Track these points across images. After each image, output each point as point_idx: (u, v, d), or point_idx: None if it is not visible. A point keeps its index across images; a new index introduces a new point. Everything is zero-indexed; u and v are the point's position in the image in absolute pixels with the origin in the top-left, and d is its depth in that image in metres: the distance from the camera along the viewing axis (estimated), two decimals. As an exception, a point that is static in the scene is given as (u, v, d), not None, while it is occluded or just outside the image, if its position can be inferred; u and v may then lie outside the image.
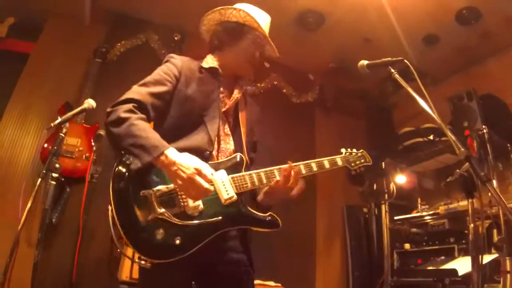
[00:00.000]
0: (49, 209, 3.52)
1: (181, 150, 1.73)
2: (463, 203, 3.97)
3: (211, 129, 1.93)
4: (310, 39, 5.11)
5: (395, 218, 4.82)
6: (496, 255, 3.36)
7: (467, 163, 1.74)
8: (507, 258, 3.23)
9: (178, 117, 1.92)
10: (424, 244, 4.50)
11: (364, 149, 2.37)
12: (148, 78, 1.92)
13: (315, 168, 2.07)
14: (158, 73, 1.96)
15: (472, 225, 2.50)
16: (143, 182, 1.70)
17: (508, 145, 4.07)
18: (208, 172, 1.71)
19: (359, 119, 6.25)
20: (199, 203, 1.74)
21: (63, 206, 3.74)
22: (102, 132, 3.80)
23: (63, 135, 2.75)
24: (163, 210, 1.65)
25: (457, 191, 4.22)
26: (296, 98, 5.68)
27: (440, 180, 4.87)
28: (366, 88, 6.03)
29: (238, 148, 2.04)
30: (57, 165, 2.62)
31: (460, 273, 3.34)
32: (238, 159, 1.94)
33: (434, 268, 3.78)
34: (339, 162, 2.21)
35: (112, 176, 1.68)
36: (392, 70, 2.13)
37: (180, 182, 1.62)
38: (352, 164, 2.26)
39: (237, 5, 2.15)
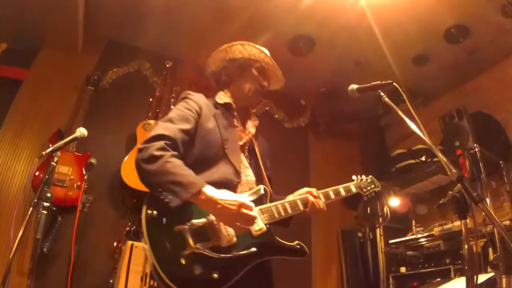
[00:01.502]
0: (40, 239, 3.49)
1: (211, 182, 1.77)
2: (458, 223, 3.94)
3: (234, 160, 1.98)
4: (301, 64, 5.13)
5: (390, 241, 4.79)
6: (492, 274, 3.33)
7: (459, 184, 1.74)
8: (504, 276, 3.20)
9: (201, 151, 1.96)
10: (420, 266, 4.45)
11: (359, 173, 2.51)
12: (173, 114, 1.98)
13: (332, 196, 2.21)
14: (181, 109, 2.02)
15: (466, 246, 2.48)
16: (176, 218, 1.70)
17: (501, 162, 4.09)
18: (249, 203, 1.75)
19: (353, 142, 6.23)
20: (233, 236, 1.76)
21: (55, 235, 3.68)
22: (93, 160, 3.76)
23: (54, 163, 2.73)
24: (198, 244, 1.66)
25: (451, 211, 4.21)
26: (289, 123, 5.71)
27: (434, 201, 4.85)
28: (359, 111, 6.05)
29: (258, 180, 2.10)
30: (48, 194, 2.59)
31: (455, 293, 3.31)
32: (262, 191, 1.97)
33: (430, 290, 3.75)
34: (353, 189, 2.36)
35: (145, 214, 1.68)
36: (382, 94, 2.14)
37: (227, 217, 1.68)
38: (364, 190, 2.41)
39: (241, 42, 2.26)
